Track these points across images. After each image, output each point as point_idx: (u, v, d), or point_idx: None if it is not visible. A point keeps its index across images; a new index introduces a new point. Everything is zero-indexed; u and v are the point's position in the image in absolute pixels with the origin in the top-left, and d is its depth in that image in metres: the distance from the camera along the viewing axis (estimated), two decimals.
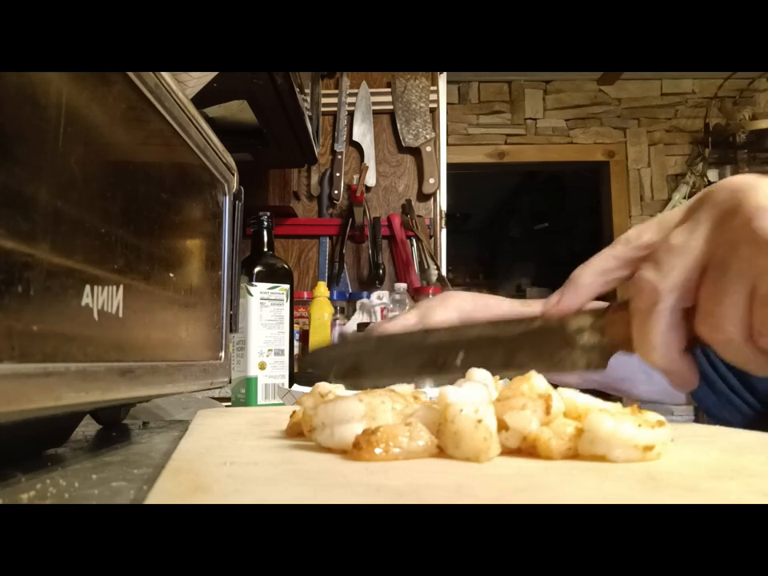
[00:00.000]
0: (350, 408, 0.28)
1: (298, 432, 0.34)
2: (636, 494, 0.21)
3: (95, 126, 0.31)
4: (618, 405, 0.29)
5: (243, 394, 0.74)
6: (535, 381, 0.28)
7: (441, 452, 0.27)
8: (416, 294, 1.53)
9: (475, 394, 0.27)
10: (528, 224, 4.93)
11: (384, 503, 0.19)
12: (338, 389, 0.37)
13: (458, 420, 0.26)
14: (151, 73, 0.36)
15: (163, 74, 0.38)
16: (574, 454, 0.27)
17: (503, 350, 0.42)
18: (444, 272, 1.75)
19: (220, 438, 0.35)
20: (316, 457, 0.28)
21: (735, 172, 3.09)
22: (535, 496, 0.20)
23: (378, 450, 0.26)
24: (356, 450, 0.26)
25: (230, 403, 0.77)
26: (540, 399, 0.27)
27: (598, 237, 3.31)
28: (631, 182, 3.23)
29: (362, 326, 1.34)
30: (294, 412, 0.35)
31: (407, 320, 0.61)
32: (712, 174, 3.09)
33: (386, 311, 1.42)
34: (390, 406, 0.29)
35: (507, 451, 0.27)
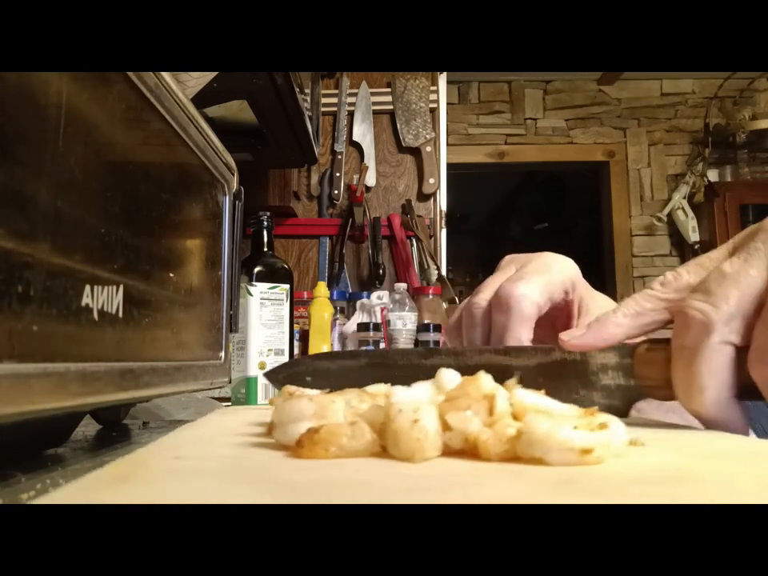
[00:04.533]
0: (301, 407, 0.29)
1: None
2: (536, 496, 0.20)
3: (95, 126, 0.31)
4: (574, 407, 0.28)
5: (243, 394, 0.74)
6: (483, 381, 0.28)
7: (384, 451, 0.27)
8: (416, 294, 1.53)
9: (420, 393, 0.28)
10: (528, 224, 4.94)
11: (275, 501, 0.19)
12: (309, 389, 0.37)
13: (397, 419, 0.26)
14: (151, 73, 0.36)
15: (163, 73, 0.38)
16: (513, 456, 0.26)
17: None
18: (444, 272, 1.75)
19: (207, 435, 0.35)
20: (267, 453, 0.29)
21: (735, 172, 3.10)
22: (437, 496, 0.20)
23: (319, 448, 0.27)
24: (298, 447, 0.27)
25: (229, 403, 0.77)
26: (484, 400, 0.27)
27: (598, 237, 3.32)
28: (631, 182, 3.24)
29: (361, 326, 1.34)
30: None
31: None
32: (712, 174, 3.09)
33: (386, 311, 1.42)
34: (341, 406, 0.30)
35: (452, 452, 0.27)
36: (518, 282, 0.44)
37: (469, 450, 0.27)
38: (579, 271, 0.48)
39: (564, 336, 0.37)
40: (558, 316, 0.48)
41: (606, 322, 0.36)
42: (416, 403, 0.27)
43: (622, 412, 0.37)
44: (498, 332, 0.44)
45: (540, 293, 0.44)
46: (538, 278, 0.44)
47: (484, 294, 0.46)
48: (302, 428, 0.28)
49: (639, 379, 0.36)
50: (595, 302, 0.48)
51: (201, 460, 0.27)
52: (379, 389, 0.35)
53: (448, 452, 0.27)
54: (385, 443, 0.27)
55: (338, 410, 0.30)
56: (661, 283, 0.36)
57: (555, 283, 0.45)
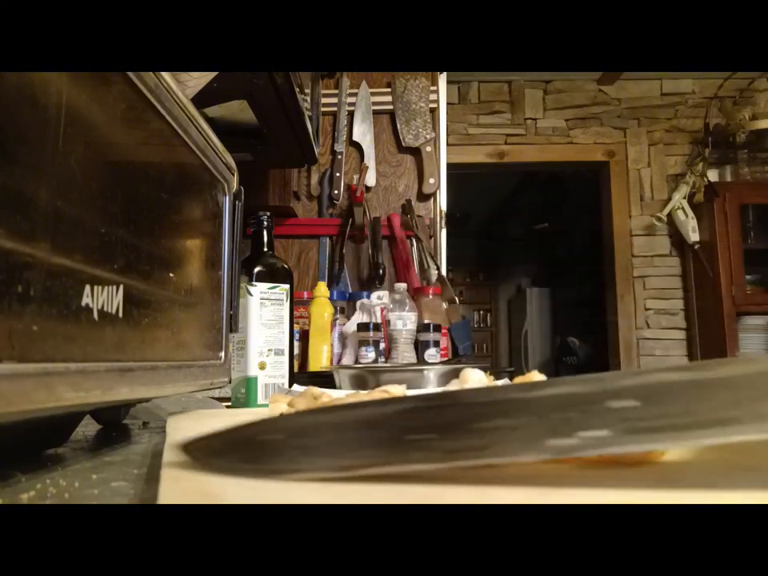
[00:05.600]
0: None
1: None
2: (662, 494, 0.21)
3: (95, 126, 0.31)
4: None
5: (243, 394, 0.74)
6: (535, 379, 0.28)
7: None
8: (416, 294, 1.53)
9: None
10: (528, 224, 4.93)
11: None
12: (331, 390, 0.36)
13: None
14: (151, 73, 0.36)
15: (163, 73, 0.38)
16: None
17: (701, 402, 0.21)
18: (444, 272, 1.75)
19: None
20: None
21: (735, 172, 3.09)
22: (567, 498, 0.20)
23: None
24: None
25: (229, 403, 0.77)
26: None
27: (598, 237, 3.31)
28: (631, 182, 3.23)
29: (362, 326, 1.34)
30: (281, 414, 0.34)
31: None
32: (712, 174, 3.09)
33: (386, 311, 1.42)
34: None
35: None
36: None
37: None
38: None
39: None
40: None
41: None
42: None
43: None
44: None
45: None
46: None
47: None
48: None
49: None
50: None
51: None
52: (399, 390, 0.34)
53: None
54: None
55: None
56: None
57: None
